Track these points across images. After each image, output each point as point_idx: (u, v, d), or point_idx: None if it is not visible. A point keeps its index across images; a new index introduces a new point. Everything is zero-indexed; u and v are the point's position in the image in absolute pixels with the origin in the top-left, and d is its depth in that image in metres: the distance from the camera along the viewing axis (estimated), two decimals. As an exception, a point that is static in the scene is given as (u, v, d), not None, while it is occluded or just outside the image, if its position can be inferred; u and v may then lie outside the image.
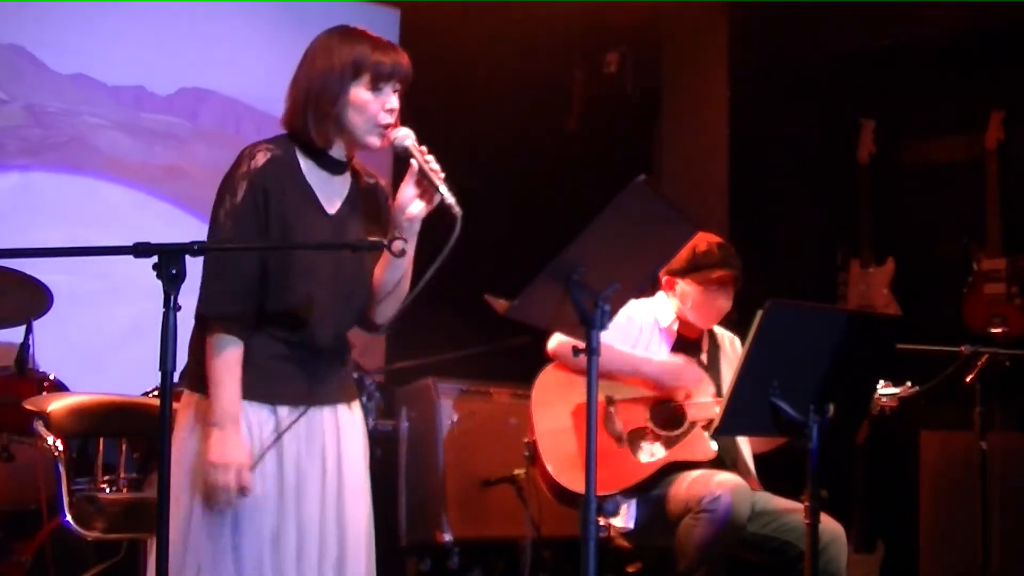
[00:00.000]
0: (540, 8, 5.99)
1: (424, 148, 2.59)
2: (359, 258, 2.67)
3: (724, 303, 3.90)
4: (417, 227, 2.61)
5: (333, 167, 2.68)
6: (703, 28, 6.12)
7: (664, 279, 3.94)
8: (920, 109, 5.89)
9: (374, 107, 2.60)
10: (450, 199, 2.50)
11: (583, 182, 5.55)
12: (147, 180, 5.56)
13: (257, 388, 2.59)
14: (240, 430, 2.54)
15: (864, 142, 5.89)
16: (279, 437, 2.59)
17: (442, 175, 2.55)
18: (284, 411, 2.62)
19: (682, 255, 3.85)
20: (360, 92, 2.60)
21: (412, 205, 2.59)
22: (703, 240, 3.87)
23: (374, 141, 2.62)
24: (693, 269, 3.86)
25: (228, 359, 2.55)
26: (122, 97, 5.52)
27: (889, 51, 5.82)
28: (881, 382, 3.72)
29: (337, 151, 2.67)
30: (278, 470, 2.60)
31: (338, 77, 2.59)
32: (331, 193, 2.69)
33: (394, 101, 2.62)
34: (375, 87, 2.60)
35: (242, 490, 2.51)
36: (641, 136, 6.43)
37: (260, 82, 5.72)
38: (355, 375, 2.83)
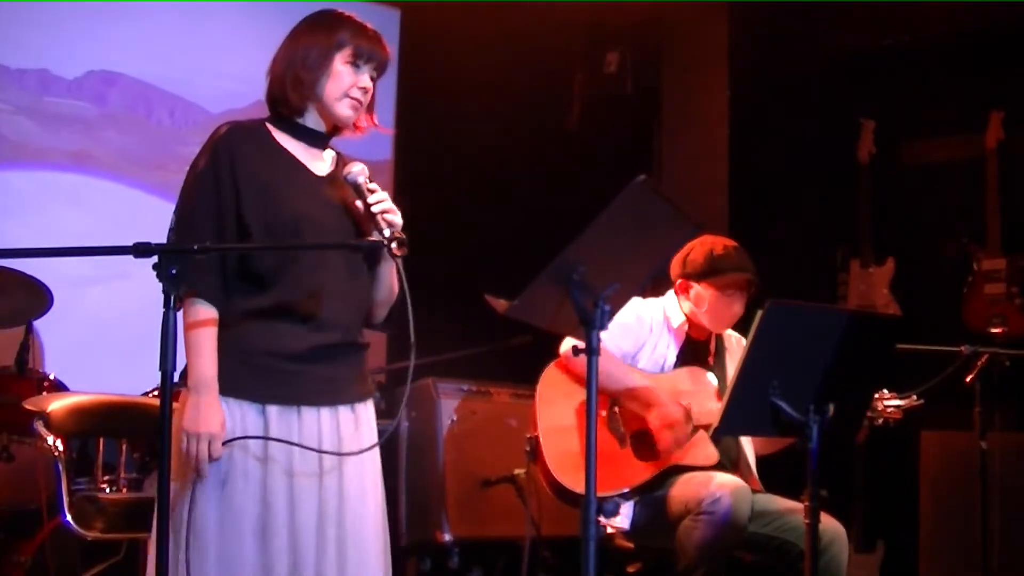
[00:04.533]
0: (540, 8, 5.98)
1: (375, 187, 2.64)
2: (357, 231, 2.69)
3: (739, 308, 3.88)
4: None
5: (310, 138, 2.74)
6: (703, 28, 6.12)
7: (678, 282, 3.91)
8: (920, 109, 5.89)
9: (348, 80, 2.69)
10: (393, 246, 2.53)
11: (583, 182, 5.54)
12: (53, 166, 5.38)
13: (247, 385, 2.59)
14: (216, 397, 2.55)
15: (864, 142, 5.89)
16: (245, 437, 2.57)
17: (389, 216, 2.58)
18: (274, 411, 2.60)
19: (698, 259, 3.84)
20: (338, 65, 2.68)
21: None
22: (719, 244, 3.86)
23: (344, 111, 2.70)
24: (710, 273, 3.83)
25: (203, 325, 2.58)
26: (26, 81, 5.34)
27: (889, 51, 5.82)
28: (885, 392, 3.73)
29: (312, 121, 2.73)
30: (262, 474, 2.57)
31: (323, 48, 2.68)
32: (313, 159, 2.74)
33: (367, 81, 2.71)
34: (354, 63, 2.69)
35: (211, 460, 2.52)
36: (641, 136, 6.43)
37: (172, 64, 5.62)
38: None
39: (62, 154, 5.41)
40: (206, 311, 2.58)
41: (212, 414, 2.53)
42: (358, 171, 2.65)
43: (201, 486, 2.55)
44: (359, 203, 2.63)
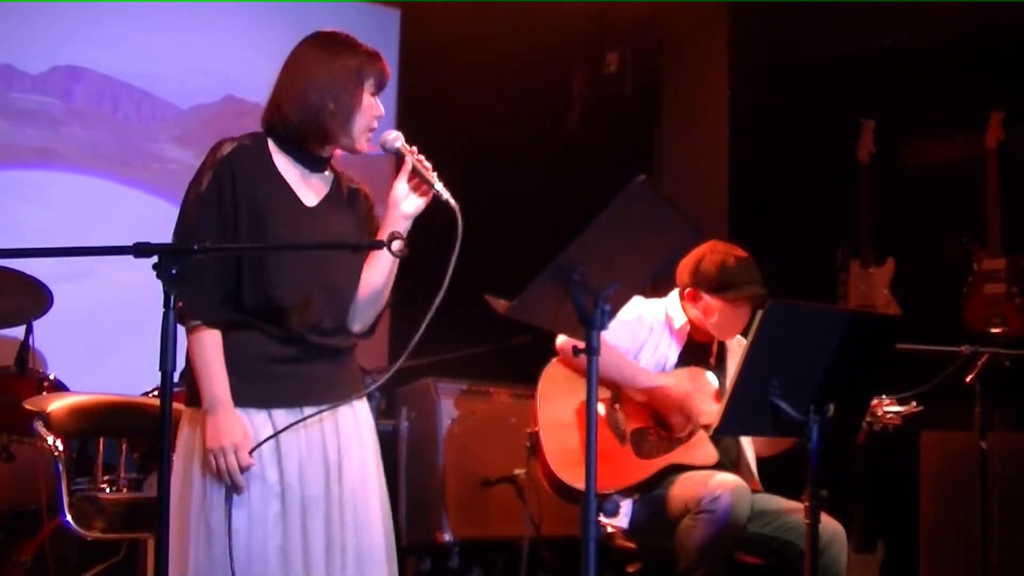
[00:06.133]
0: (540, 8, 5.99)
1: (415, 148, 2.65)
2: (343, 258, 2.69)
3: (746, 319, 3.88)
4: (408, 226, 2.66)
5: (310, 163, 2.71)
6: (703, 28, 6.12)
7: (687, 291, 3.89)
8: (920, 109, 5.89)
9: (372, 113, 2.69)
10: (446, 195, 2.57)
11: (583, 182, 5.54)
12: (19, 163, 5.28)
13: (249, 393, 2.60)
14: (233, 411, 2.56)
15: (864, 142, 5.88)
16: (275, 435, 2.59)
17: (435, 173, 2.61)
18: (280, 414, 2.62)
19: (711, 270, 3.81)
20: (366, 97, 2.68)
21: (406, 202, 2.64)
22: (731, 255, 3.84)
23: (364, 145, 2.70)
24: (723, 287, 3.81)
25: (210, 346, 2.59)
26: (-10, 77, 5.25)
27: (889, 51, 5.81)
28: (885, 399, 3.73)
29: (320, 149, 2.71)
30: (279, 478, 2.59)
31: (354, 81, 2.65)
32: (308, 187, 2.71)
33: (382, 108, 2.72)
34: (375, 93, 2.69)
35: (243, 469, 2.53)
36: (641, 136, 6.42)
37: (139, 59, 5.54)
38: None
39: (27, 151, 5.32)
40: (209, 332, 2.59)
41: (231, 426, 2.55)
42: (394, 137, 2.66)
43: (219, 490, 2.56)
44: (408, 159, 2.63)
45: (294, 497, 2.59)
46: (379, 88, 2.70)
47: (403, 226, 2.64)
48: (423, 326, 2.48)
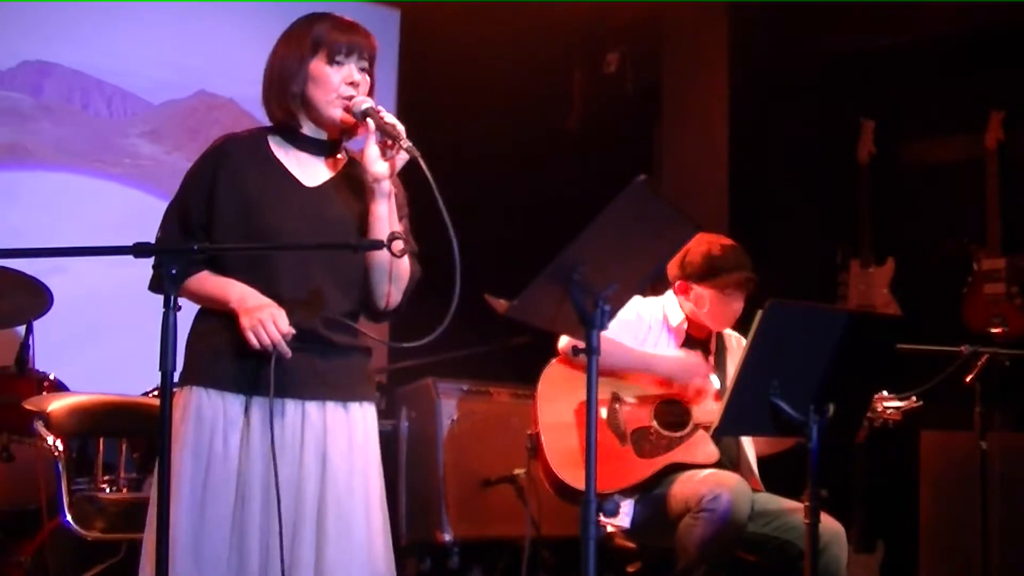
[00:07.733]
0: (540, 8, 5.99)
1: (380, 108, 2.63)
2: (346, 237, 2.65)
3: (739, 306, 3.89)
4: (387, 187, 2.63)
5: (311, 147, 2.71)
6: (703, 28, 6.12)
7: (677, 284, 3.92)
8: (920, 109, 5.89)
9: (334, 79, 2.65)
10: (407, 143, 2.54)
11: (583, 182, 5.54)
12: None
13: (226, 375, 2.56)
14: (259, 294, 2.56)
15: (864, 142, 5.89)
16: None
17: (400, 127, 2.58)
18: (258, 402, 2.56)
19: (696, 260, 3.85)
20: (319, 66, 2.65)
21: (376, 165, 2.61)
22: (716, 244, 3.87)
23: (336, 113, 2.66)
24: (710, 274, 3.84)
25: (206, 275, 2.61)
26: (-44, 73, 5.17)
27: (889, 51, 5.81)
28: (885, 393, 3.73)
29: (310, 129, 2.70)
30: (236, 463, 2.54)
31: (298, 55, 2.65)
32: (310, 169, 2.70)
33: (355, 75, 2.66)
34: (332, 61, 2.65)
35: (285, 336, 2.51)
36: (641, 136, 6.43)
37: (110, 55, 5.48)
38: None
39: (-4, 147, 5.27)
40: (200, 274, 2.61)
41: (261, 300, 2.54)
42: (360, 101, 2.64)
43: (179, 482, 2.51)
44: (370, 121, 2.61)
45: (255, 490, 2.53)
46: (340, 54, 2.64)
47: (380, 192, 2.62)
48: (454, 301, 2.46)
